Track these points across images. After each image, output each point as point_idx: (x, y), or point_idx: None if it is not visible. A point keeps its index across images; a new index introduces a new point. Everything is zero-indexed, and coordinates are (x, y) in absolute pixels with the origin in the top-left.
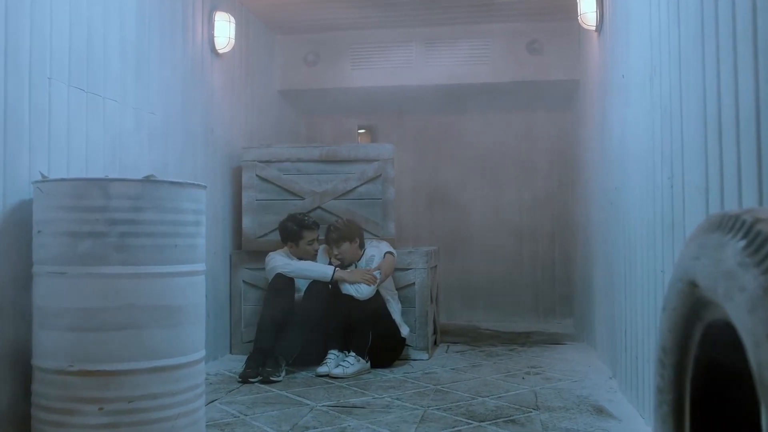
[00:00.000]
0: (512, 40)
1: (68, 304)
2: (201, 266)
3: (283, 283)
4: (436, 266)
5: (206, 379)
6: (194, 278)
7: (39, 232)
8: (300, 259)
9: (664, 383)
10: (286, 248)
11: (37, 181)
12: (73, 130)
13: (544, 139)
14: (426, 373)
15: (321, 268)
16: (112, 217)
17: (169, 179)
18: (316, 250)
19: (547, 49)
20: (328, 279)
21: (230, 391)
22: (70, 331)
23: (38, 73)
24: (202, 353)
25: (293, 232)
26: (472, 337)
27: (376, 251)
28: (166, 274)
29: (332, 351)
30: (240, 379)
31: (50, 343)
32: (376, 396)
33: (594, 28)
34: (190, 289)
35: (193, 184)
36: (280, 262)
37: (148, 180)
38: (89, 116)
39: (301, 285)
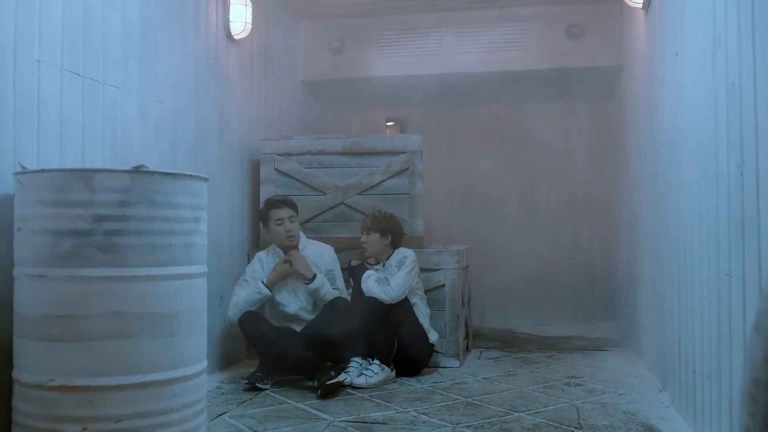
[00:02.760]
0: (550, 24)
1: (48, 311)
2: (200, 268)
3: (252, 322)
4: (467, 266)
5: (218, 388)
6: (192, 281)
7: (19, 229)
8: (279, 245)
9: (755, 425)
10: (271, 246)
11: (17, 173)
12: (67, 119)
13: (583, 130)
14: (456, 383)
15: (254, 292)
16: (97, 212)
17: (163, 170)
18: (289, 231)
19: (588, 33)
20: (264, 294)
21: (242, 403)
22: (49, 341)
23: (24, 54)
24: (202, 365)
25: (262, 213)
26: (507, 342)
27: (408, 253)
28: (158, 277)
29: (355, 359)
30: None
31: (30, 354)
32: (401, 410)
33: (641, 6)
34: (187, 294)
35: (191, 175)
36: (234, 300)
37: (138, 171)
38: (86, 103)
39: (291, 300)
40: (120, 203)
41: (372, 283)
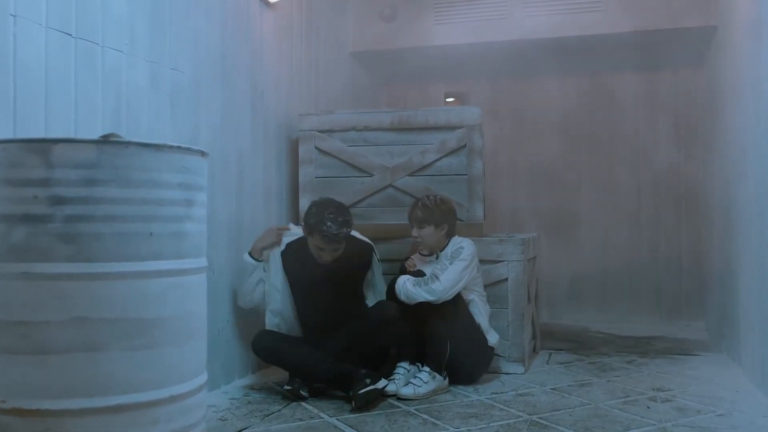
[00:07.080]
0: None
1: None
2: (194, 262)
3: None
4: (535, 257)
5: (245, 395)
6: (183, 279)
7: None
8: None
9: None
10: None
11: None
12: (53, 86)
13: (668, 102)
14: (519, 395)
15: (245, 265)
16: (57, 193)
17: (141, 140)
18: (324, 260)
19: None
20: (253, 263)
21: (268, 416)
22: (1, 354)
23: None
24: (198, 382)
25: (306, 222)
26: (580, 343)
27: (465, 243)
28: (134, 275)
29: (402, 364)
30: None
31: None
32: (451, 429)
33: None
34: (174, 295)
35: (179, 147)
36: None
37: (108, 140)
38: (79, 68)
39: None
40: (85, 182)
41: (410, 288)
